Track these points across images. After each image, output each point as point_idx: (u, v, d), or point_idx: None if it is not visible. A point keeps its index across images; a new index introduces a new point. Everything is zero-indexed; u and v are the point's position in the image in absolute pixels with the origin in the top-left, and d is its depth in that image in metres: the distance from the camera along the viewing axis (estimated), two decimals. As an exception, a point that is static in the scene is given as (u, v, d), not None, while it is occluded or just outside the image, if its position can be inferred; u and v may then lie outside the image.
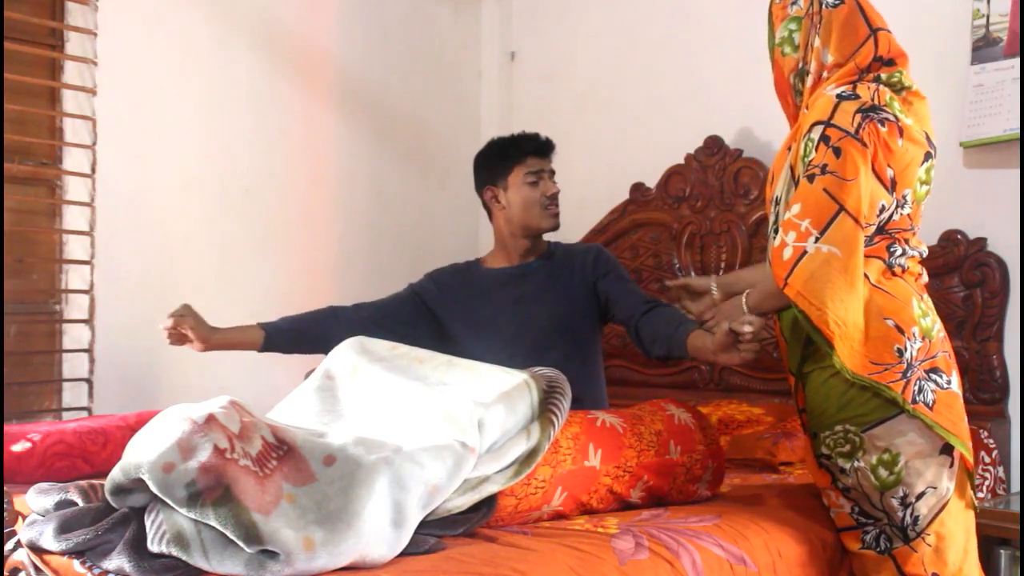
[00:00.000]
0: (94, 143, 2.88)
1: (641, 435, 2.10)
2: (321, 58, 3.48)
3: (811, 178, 1.93)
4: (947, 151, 2.80)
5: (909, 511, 1.97)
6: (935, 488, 1.96)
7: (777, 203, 2.08)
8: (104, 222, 2.89)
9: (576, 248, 2.72)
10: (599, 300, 2.56)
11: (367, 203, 3.62)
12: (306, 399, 2.09)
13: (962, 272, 2.81)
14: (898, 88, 2.03)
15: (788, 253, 1.92)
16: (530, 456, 1.93)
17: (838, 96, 1.96)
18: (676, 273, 3.43)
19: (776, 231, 2.01)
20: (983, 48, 2.74)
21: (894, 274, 2.02)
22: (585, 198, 3.61)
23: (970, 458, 1.98)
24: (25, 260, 2.84)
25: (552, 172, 2.62)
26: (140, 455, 1.62)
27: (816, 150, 1.94)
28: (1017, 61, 2.66)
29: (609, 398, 2.63)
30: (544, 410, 2.00)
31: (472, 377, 2.05)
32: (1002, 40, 2.72)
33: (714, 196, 3.38)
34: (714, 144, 3.40)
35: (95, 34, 2.88)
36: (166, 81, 3.05)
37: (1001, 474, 2.70)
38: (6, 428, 2.21)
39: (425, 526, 1.76)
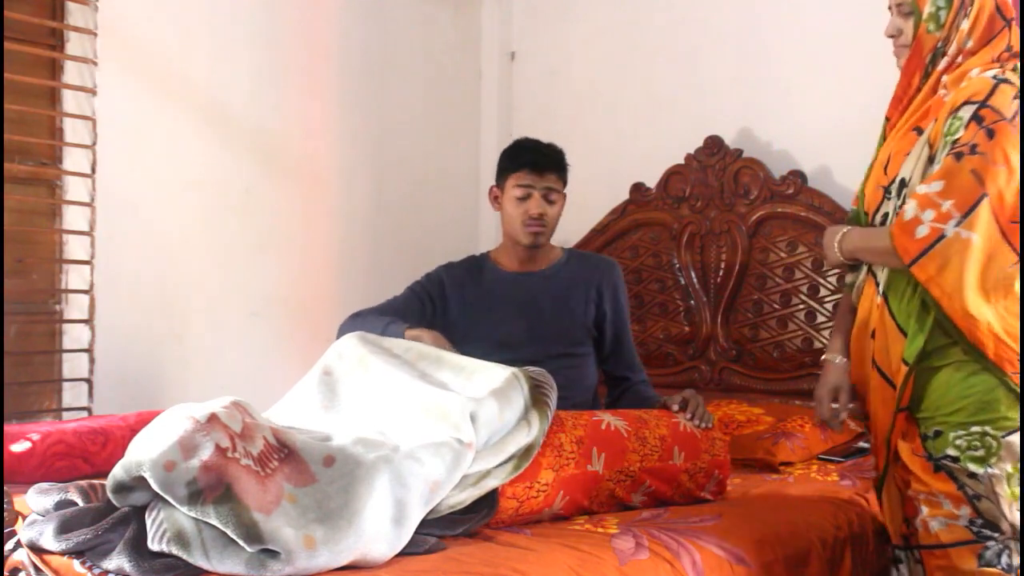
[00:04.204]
0: (94, 143, 2.88)
1: (645, 439, 2.10)
2: (321, 58, 3.48)
3: (958, 156, 1.82)
4: (947, 151, 2.81)
5: None
6: None
7: (905, 184, 1.93)
8: (104, 222, 2.89)
9: (593, 260, 2.70)
10: (597, 319, 2.57)
11: (367, 203, 3.62)
12: (308, 393, 2.09)
13: (962, 272, 2.81)
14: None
15: (923, 232, 1.82)
16: (528, 450, 1.93)
17: (995, 79, 1.87)
18: (676, 273, 3.43)
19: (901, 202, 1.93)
20: (983, 48, 2.74)
21: None
22: (585, 198, 3.61)
23: None
24: (25, 260, 2.84)
25: (548, 190, 2.50)
26: (142, 453, 1.63)
27: (966, 128, 1.83)
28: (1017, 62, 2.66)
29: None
30: (536, 400, 2.01)
31: (461, 373, 2.06)
32: (1002, 40, 2.72)
33: (714, 196, 3.38)
34: (714, 144, 3.40)
35: (95, 34, 2.88)
36: (166, 81, 3.05)
37: (1001, 474, 2.69)
38: (6, 428, 2.21)
39: (426, 526, 1.76)
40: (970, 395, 1.87)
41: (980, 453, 1.85)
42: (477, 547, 1.76)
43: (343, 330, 2.39)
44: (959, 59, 1.95)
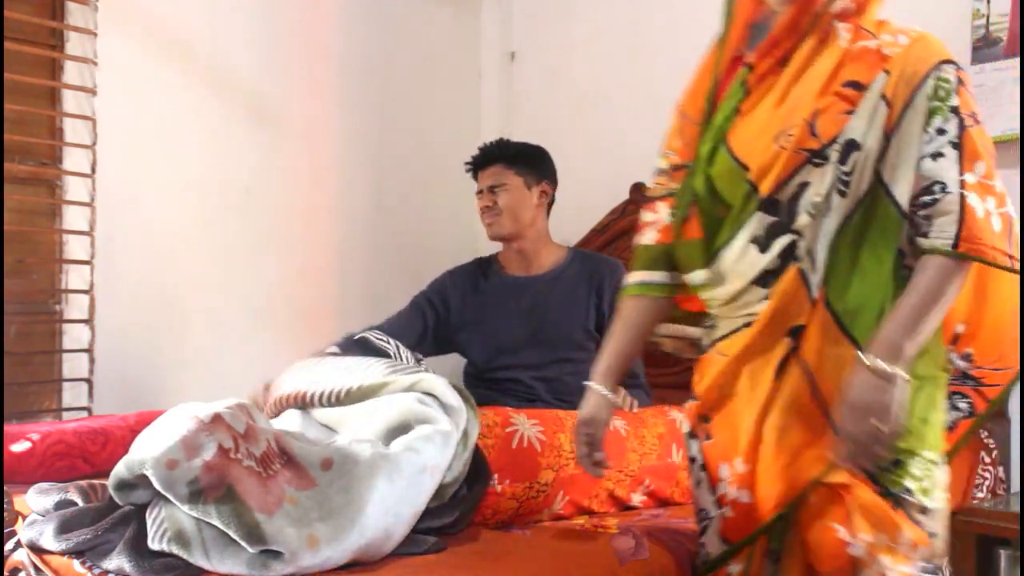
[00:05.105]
0: (94, 143, 2.88)
1: (644, 438, 2.10)
2: (321, 58, 3.48)
3: (965, 127, 1.56)
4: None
5: None
6: None
7: (856, 147, 1.56)
8: (104, 222, 2.89)
9: (596, 260, 2.72)
10: (598, 321, 2.58)
11: (367, 203, 3.61)
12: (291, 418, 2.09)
13: (962, 272, 2.80)
14: None
15: (998, 224, 1.53)
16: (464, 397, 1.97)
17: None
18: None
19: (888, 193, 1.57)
20: (983, 48, 2.74)
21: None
22: (585, 198, 3.61)
23: None
24: (25, 260, 2.84)
25: (492, 185, 2.69)
26: (145, 451, 1.63)
27: (958, 94, 1.57)
28: (1017, 61, 2.66)
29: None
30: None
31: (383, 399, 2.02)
32: (1002, 40, 2.72)
33: (714, 196, 3.37)
34: (714, 144, 3.39)
35: (95, 34, 2.87)
36: (166, 81, 3.04)
37: (1001, 474, 2.69)
38: (6, 428, 2.21)
39: (429, 515, 1.77)
40: (929, 415, 1.60)
41: (927, 484, 1.58)
42: (477, 546, 1.76)
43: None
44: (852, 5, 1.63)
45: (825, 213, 1.57)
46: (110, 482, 1.65)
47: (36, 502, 1.74)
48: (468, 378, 2.74)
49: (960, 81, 1.58)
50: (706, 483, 1.69)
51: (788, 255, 1.58)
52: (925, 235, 1.55)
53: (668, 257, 1.76)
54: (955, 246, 1.51)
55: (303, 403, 2.03)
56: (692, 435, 1.73)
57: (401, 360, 2.15)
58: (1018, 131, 2.63)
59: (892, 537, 1.53)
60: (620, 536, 1.86)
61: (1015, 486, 2.73)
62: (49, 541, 1.62)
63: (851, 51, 1.59)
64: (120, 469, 1.64)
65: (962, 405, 1.73)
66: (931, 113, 1.56)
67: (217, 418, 1.69)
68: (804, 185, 1.57)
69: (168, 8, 3.05)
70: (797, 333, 1.58)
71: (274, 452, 1.73)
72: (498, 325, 2.57)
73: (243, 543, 1.54)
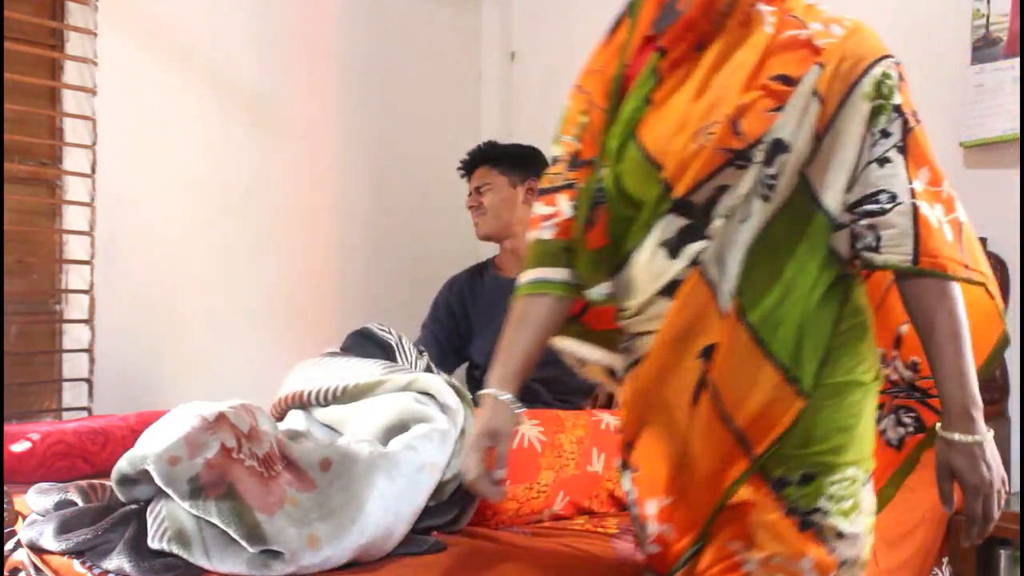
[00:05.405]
0: (94, 143, 2.88)
1: (561, 446, 2.10)
2: (322, 58, 3.48)
3: (909, 128, 1.43)
4: (947, 151, 2.80)
5: None
6: None
7: (784, 148, 1.40)
8: (104, 222, 2.89)
9: None
10: None
11: (367, 203, 3.61)
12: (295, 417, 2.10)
13: (962, 272, 2.80)
14: None
15: (950, 233, 1.42)
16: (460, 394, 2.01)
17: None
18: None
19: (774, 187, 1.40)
20: (983, 48, 2.74)
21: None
22: (585, 198, 3.61)
23: None
24: (25, 260, 2.84)
25: (478, 186, 2.81)
26: (148, 447, 1.64)
27: (900, 91, 1.43)
28: (1017, 61, 2.66)
29: (609, 398, 2.65)
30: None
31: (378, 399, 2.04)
32: (1002, 40, 2.72)
33: (714, 196, 3.36)
34: (714, 144, 3.38)
35: (95, 34, 2.87)
36: (166, 81, 3.04)
37: (1001, 474, 2.69)
38: (6, 428, 2.21)
39: (428, 514, 1.77)
40: (850, 425, 1.43)
41: (847, 505, 1.41)
42: (477, 546, 1.76)
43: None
44: None
45: (743, 218, 1.41)
46: (113, 477, 1.66)
47: (36, 502, 1.74)
48: (471, 379, 2.76)
49: (901, 77, 1.44)
50: (638, 519, 1.54)
51: (699, 262, 1.42)
52: (874, 249, 1.40)
53: (569, 255, 1.53)
54: (915, 261, 1.38)
55: (301, 403, 2.03)
56: (624, 466, 1.56)
57: (404, 350, 2.16)
58: (1018, 131, 2.63)
59: (791, 558, 1.39)
60: (620, 536, 1.86)
61: (1015, 486, 2.74)
62: (49, 541, 1.62)
63: (778, 40, 1.42)
64: (123, 464, 1.65)
65: (907, 420, 1.60)
66: (873, 113, 1.41)
67: (221, 417, 1.69)
68: (723, 188, 1.41)
69: (168, 8, 3.05)
70: (709, 353, 1.41)
71: (276, 454, 1.73)
72: (496, 326, 2.58)
73: (243, 542, 1.54)
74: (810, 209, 1.41)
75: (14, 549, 1.68)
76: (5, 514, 1.69)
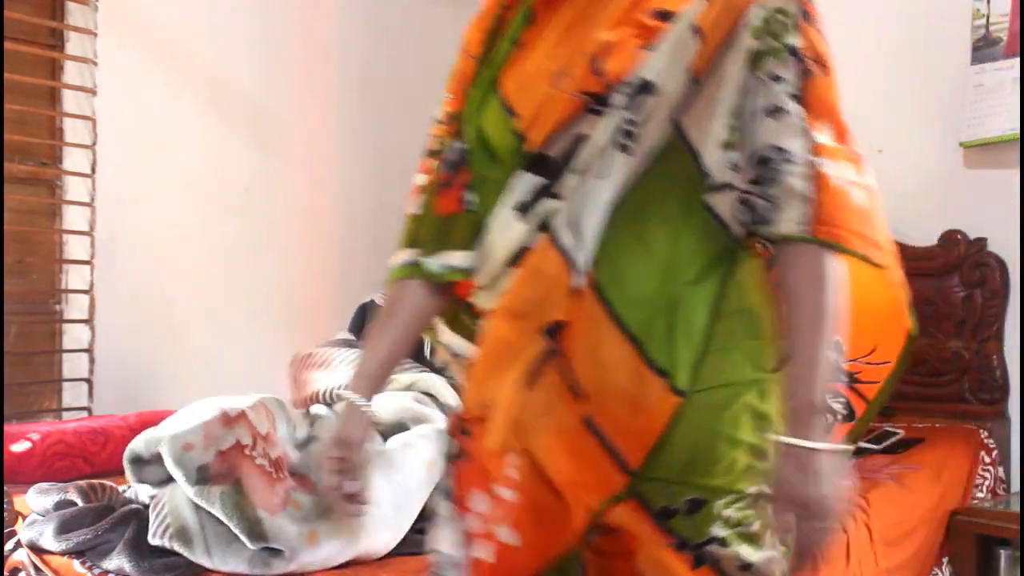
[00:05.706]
0: (94, 143, 2.88)
1: None
2: (321, 58, 3.48)
3: (809, 75, 1.18)
4: (947, 151, 2.80)
5: None
6: None
7: (650, 90, 1.15)
8: (104, 222, 2.89)
9: None
10: None
11: (367, 203, 3.61)
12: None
13: (962, 272, 2.80)
14: None
15: (861, 197, 1.16)
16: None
17: None
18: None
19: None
20: (983, 48, 2.74)
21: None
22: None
23: None
24: (25, 260, 2.84)
25: None
26: (166, 431, 1.67)
27: (800, 32, 1.18)
28: (1017, 61, 2.66)
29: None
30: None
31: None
32: (1002, 40, 2.72)
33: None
34: (714, 144, 3.37)
35: (95, 34, 2.87)
36: (166, 81, 3.04)
37: (1001, 474, 2.69)
38: (6, 428, 2.21)
39: (422, 515, 1.78)
40: (743, 435, 1.16)
41: (753, 528, 1.15)
42: (477, 547, 1.76)
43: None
44: None
45: (602, 175, 1.16)
46: (125, 456, 1.69)
47: (36, 502, 1.74)
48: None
49: (806, 15, 1.18)
50: (448, 515, 1.25)
51: (548, 227, 1.17)
52: (766, 221, 1.15)
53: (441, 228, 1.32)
54: (810, 230, 1.13)
55: (317, 401, 2.10)
56: (449, 455, 1.30)
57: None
58: (1018, 131, 2.63)
59: None
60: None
61: (1015, 486, 2.74)
62: (49, 541, 1.62)
63: None
64: (137, 443, 1.68)
65: (835, 406, 1.27)
66: (761, 54, 1.16)
67: (242, 415, 1.72)
68: (581, 138, 1.16)
69: (168, 9, 3.05)
70: (555, 332, 1.16)
71: (285, 460, 1.75)
72: None
73: (243, 538, 1.55)
74: (687, 166, 1.17)
75: (14, 549, 1.68)
76: (5, 514, 1.69)
